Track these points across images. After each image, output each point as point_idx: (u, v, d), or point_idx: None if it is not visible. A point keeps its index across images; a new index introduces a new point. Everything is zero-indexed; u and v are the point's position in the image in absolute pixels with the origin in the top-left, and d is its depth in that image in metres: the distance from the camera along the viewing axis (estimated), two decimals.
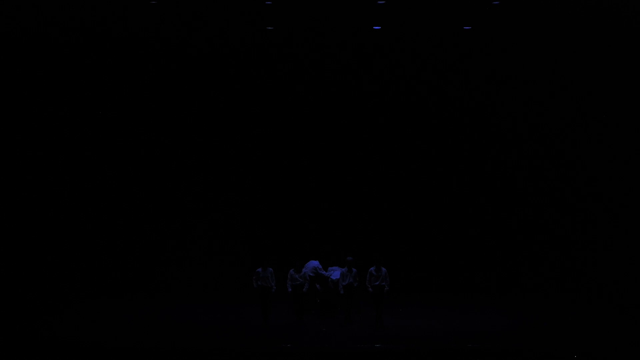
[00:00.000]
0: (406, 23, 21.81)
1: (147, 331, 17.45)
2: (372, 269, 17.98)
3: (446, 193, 23.27)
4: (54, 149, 22.92)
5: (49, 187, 22.86)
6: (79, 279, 22.55)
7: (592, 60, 22.22)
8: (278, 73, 23.24)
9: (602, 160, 22.41)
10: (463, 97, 23.15)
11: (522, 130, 22.98)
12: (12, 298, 20.98)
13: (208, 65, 23.15)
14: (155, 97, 23.28)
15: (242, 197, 23.41)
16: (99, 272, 22.76)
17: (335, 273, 19.05)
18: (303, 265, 18.84)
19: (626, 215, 22.00)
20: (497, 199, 23.13)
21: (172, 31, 22.23)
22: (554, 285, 22.38)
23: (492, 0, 20.89)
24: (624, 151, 22.17)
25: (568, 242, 22.59)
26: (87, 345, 16.00)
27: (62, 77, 22.88)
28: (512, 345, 15.96)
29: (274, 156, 23.43)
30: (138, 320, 18.89)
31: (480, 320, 18.74)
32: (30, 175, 22.76)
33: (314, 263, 19.16)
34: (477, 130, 23.22)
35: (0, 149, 22.57)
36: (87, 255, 22.87)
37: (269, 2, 21.00)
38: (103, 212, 23.13)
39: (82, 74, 22.93)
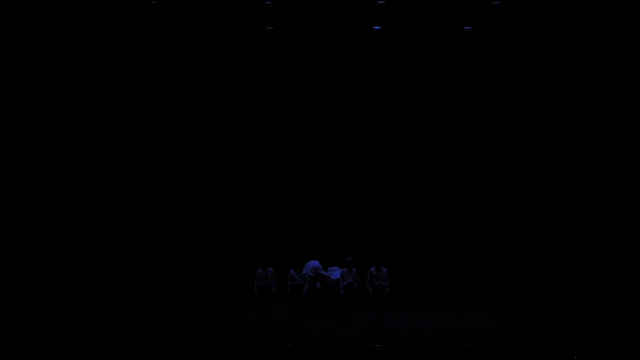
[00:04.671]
0: (406, 23, 21.80)
1: (147, 331, 17.44)
2: (372, 269, 17.99)
3: (446, 193, 23.26)
4: (54, 148, 22.92)
5: (49, 187, 22.85)
6: (79, 279, 22.55)
7: (592, 60, 22.22)
8: (278, 73, 23.24)
9: (602, 160, 22.40)
10: (463, 97, 23.15)
11: (522, 130, 22.97)
12: (12, 298, 20.98)
13: (208, 64, 23.14)
14: (155, 96, 23.27)
15: (242, 197, 23.39)
16: (99, 272, 22.76)
17: (335, 273, 19.04)
18: (303, 265, 18.85)
19: (626, 215, 22.00)
20: (496, 198, 23.12)
21: (172, 31, 22.23)
22: (554, 286, 22.38)
23: (492, 0, 20.90)
24: (624, 151, 22.17)
25: (568, 242, 22.59)
26: (87, 345, 15.98)
27: (62, 77, 22.87)
28: (512, 345, 15.96)
29: (274, 156, 23.43)
30: (138, 320, 18.87)
31: (479, 320, 18.74)
32: (30, 175, 22.75)
33: (314, 263, 19.15)
34: (478, 130, 23.22)
35: (1, 149, 22.57)
36: (87, 255, 22.86)
37: (268, 2, 21.00)
38: (103, 212, 23.13)
39: (82, 73, 22.92)
